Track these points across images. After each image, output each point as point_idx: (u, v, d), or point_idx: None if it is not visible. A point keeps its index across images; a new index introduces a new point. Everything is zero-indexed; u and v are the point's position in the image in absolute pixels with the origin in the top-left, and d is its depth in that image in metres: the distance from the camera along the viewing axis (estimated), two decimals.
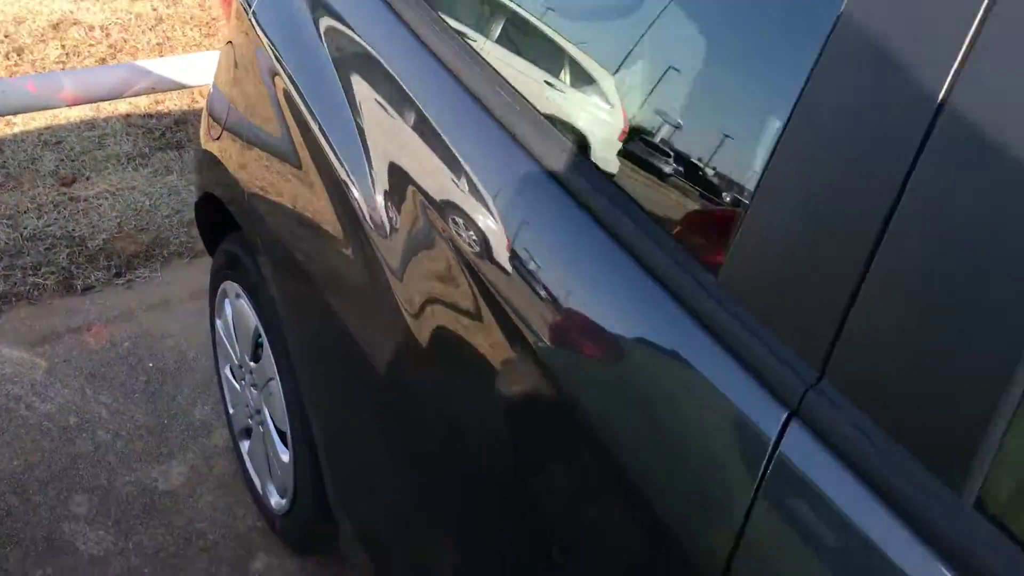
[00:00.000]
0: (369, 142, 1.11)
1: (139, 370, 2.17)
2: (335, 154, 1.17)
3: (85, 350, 2.22)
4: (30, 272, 2.44)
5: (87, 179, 2.91)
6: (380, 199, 1.09)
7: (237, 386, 1.76)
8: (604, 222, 0.79)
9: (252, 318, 1.57)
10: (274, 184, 1.34)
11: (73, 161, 3.00)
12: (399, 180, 1.07)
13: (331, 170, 1.17)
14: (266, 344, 1.51)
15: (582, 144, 0.88)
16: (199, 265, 2.59)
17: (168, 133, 3.24)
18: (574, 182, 0.84)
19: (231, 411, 1.85)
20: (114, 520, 1.79)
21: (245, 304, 1.59)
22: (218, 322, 1.82)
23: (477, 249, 0.92)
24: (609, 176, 0.83)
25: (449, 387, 1.00)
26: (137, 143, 3.14)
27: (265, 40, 1.36)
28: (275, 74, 1.33)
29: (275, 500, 1.67)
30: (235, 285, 1.64)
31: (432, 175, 1.01)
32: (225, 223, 1.70)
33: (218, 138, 1.53)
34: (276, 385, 1.50)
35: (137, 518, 1.80)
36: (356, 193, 1.12)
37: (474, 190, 0.95)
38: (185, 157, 3.10)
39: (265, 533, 1.79)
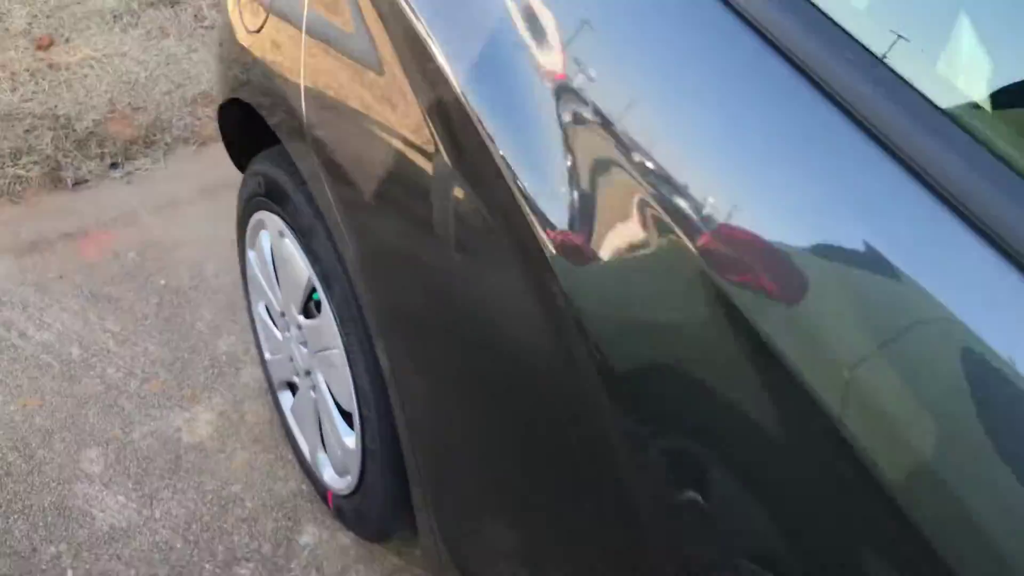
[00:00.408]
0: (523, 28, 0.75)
1: (149, 289, 1.85)
2: (450, 61, 0.81)
3: (83, 263, 1.89)
4: (9, 162, 2.06)
5: (67, 41, 2.46)
6: (540, 121, 0.74)
7: (277, 333, 1.45)
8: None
9: (304, 268, 1.24)
10: (353, 98, 0.97)
11: (48, 18, 2.53)
12: (574, 98, 0.72)
13: (446, 82, 0.81)
14: (326, 305, 1.20)
15: None
16: (209, 154, 2.22)
17: None
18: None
19: (268, 357, 1.55)
20: (135, 481, 1.53)
21: (293, 248, 1.26)
22: (250, 253, 1.49)
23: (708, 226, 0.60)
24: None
25: (625, 383, 0.70)
26: None
27: None
28: None
29: (329, 475, 1.41)
30: (277, 220, 1.30)
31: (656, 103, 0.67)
32: (259, 133, 1.33)
33: (259, 30, 1.14)
34: (339, 356, 1.20)
35: (161, 479, 1.54)
36: (487, 113, 0.77)
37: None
38: (182, 17, 2.63)
39: (311, 499, 1.54)
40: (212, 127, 2.29)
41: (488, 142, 0.76)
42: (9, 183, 2.01)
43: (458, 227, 0.86)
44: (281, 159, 1.27)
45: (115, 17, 2.56)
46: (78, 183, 2.06)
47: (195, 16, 2.64)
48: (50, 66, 2.35)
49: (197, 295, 1.86)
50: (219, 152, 2.22)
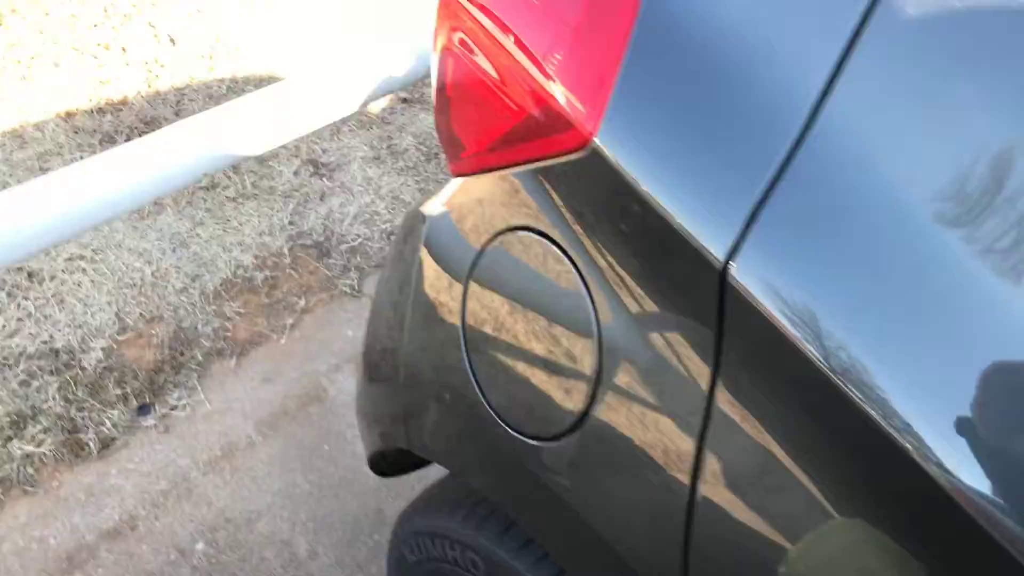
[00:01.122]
0: None
1: None
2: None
3: (142, 572, 1.45)
4: (11, 435, 1.60)
5: None
6: None
7: None
8: None
9: None
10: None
11: None
12: None
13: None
14: None
15: None
16: (252, 366, 1.80)
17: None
18: None
19: None
20: None
21: None
22: None
23: None
24: None
25: None
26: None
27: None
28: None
29: None
30: None
31: None
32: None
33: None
34: None
35: None
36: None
37: None
38: None
39: None
40: (246, 327, 1.88)
41: None
42: (18, 467, 1.55)
43: None
44: (527, 542, 0.90)
45: None
46: (105, 445, 1.62)
47: None
48: (30, 276, 1.88)
49: None
50: (264, 359, 1.82)
